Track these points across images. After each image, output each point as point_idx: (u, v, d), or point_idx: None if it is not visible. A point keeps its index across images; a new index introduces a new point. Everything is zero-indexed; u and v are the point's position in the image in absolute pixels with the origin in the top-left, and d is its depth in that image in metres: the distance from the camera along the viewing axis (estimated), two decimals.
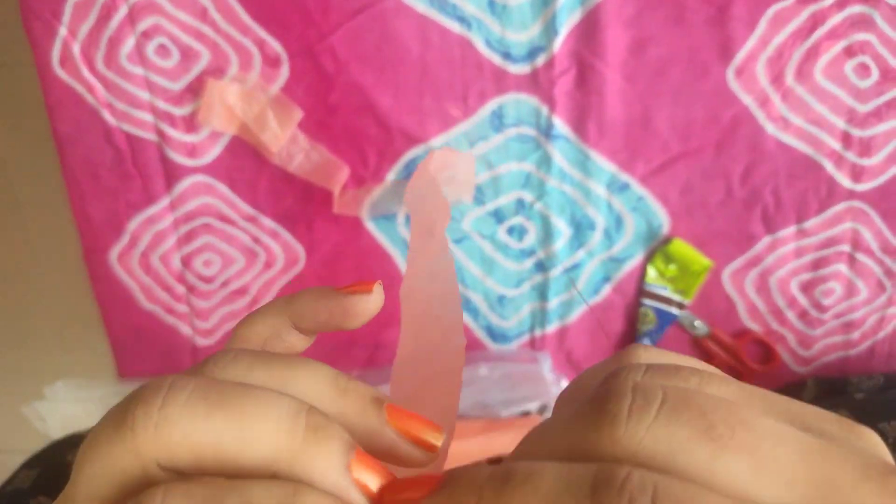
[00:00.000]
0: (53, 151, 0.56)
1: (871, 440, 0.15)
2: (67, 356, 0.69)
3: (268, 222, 0.58)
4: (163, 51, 0.53)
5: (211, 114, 0.53)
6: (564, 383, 0.62)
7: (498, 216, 0.58)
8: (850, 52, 0.52)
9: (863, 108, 0.53)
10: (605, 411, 0.14)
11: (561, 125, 0.54)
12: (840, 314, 0.59)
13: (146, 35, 0.52)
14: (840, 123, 0.54)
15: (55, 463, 0.50)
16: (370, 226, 0.58)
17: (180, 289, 0.60)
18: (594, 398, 0.15)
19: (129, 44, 0.52)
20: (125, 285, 0.60)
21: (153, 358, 0.62)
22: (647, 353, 0.17)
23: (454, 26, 0.52)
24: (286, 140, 0.55)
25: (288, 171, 0.56)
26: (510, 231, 0.58)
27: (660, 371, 0.16)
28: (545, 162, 0.56)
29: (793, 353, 0.61)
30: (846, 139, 0.54)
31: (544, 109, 0.54)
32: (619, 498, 0.13)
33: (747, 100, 0.53)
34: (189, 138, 0.55)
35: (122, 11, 0.51)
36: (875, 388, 0.60)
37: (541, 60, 0.53)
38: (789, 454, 0.14)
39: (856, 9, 0.51)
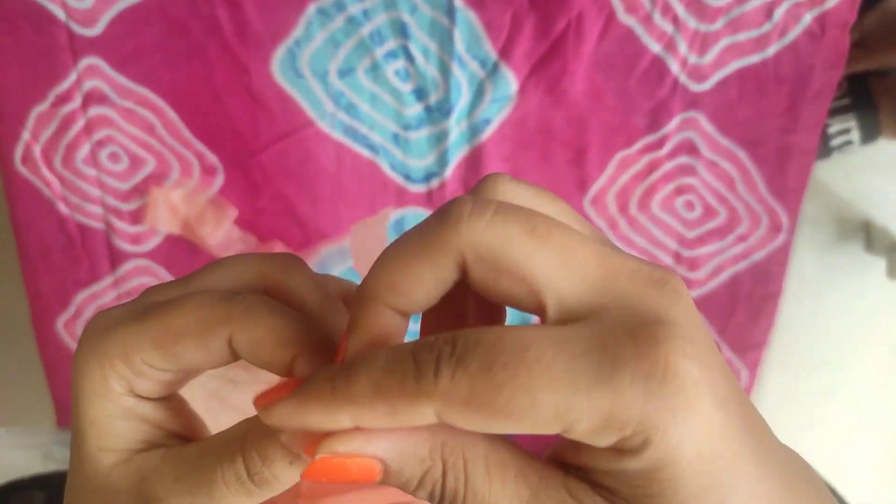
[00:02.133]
0: (11, 233, 0.64)
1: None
2: (9, 407, 0.76)
3: None
4: (114, 157, 0.62)
5: (156, 216, 0.62)
6: None
7: None
8: (679, 191, 0.65)
9: (690, 234, 0.67)
10: (449, 213, 0.17)
11: None
12: None
13: (100, 143, 0.61)
14: (672, 245, 0.67)
15: None
16: None
17: None
18: (438, 209, 0.18)
19: (84, 150, 0.61)
20: (68, 348, 0.68)
21: None
22: (502, 176, 0.20)
23: (364, 152, 0.63)
24: (222, 234, 0.64)
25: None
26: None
27: (515, 182, 0.20)
28: None
29: None
30: (677, 257, 0.67)
31: None
32: (430, 353, 0.16)
33: (599, 222, 0.66)
34: (133, 229, 0.64)
35: (80, 123, 0.60)
36: None
37: (435, 183, 0.64)
38: (589, 254, 0.17)
39: (683, 160, 0.64)
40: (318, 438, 0.17)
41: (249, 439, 0.20)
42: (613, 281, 0.17)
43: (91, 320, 0.21)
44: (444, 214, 0.18)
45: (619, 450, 0.16)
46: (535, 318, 0.18)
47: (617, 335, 0.16)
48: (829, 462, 0.68)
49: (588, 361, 0.15)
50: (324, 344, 0.20)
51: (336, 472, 0.17)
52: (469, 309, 0.21)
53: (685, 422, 0.15)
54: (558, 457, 0.18)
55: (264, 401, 0.18)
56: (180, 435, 0.22)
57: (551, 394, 0.15)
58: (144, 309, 0.21)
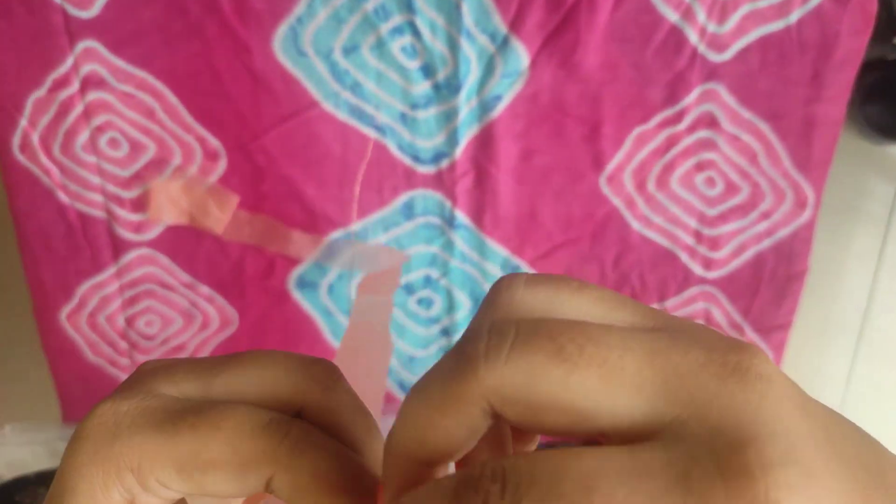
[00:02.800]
0: (10, 222, 0.63)
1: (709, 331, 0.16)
2: (15, 403, 0.75)
3: (204, 289, 0.66)
4: (114, 143, 0.60)
5: (161, 212, 0.61)
6: None
7: (408, 289, 0.67)
8: (699, 167, 0.63)
9: (711, 212, 0.64)
10: (464, 355, 0.15)
11: (462, 217, 0.64)
12: None
13: (100, 129, 0.60)
14: (693, 223, 0.65)
15: None
16: (296, 294, 0.66)
17: (123, 345, 0.67)
18: (455, 346, 0.16)
19: (83, 136, 0.60)
20: (73, 340, 0.67)
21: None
22: (517, 280, 0.17)
23: (371, 132, 0.61)
24: (227, 221, 0.62)
25: (240, 243, 0.63)
26: (419, 302, 0.67)
27: (532, 284, 0.17)
28: (449, 246, 0.65)
29: None
30: (698, 236, 0.65)
31: (448, 203, 0.63)
32: (476, 495, 0.13)
33: (616, 201, 0.64)
34: (135, 217, 0.62)
35: (79, 109, 0.59)
36: None
37: (445, 164, 0.62)
38: (636, 360, 0.14)
39: (703, 133, 0.61)
40: None
41: None
42: (680, 384, 0.14)
43: (97, 411, 0.19)
44: (460, 358, 0.15)
45: None
46: None
47: (701, 464, 0.13)
48: None
49: (668, 502, 0.13)
50: (367, 486, 0.18)
51: None
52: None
53: None
54: None
55: None
56: None
57: None
58: (167, 417, 0.18)
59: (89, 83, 0.58)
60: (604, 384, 0.14)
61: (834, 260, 0.67)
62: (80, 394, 0.69)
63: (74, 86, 0.58)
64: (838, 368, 0.71)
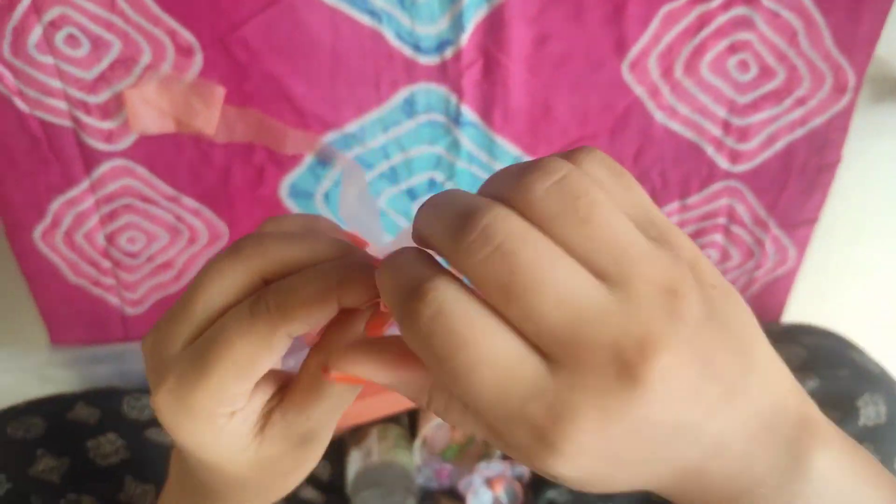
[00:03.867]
0: None
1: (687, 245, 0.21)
2: None
3: (189, 202, 0.60)
4: (72, 40, 0.53)
5: (140, 121, 0.54)
6: None
7: (412, 194, 0.62)
8: (732, 49, 0.56)
9: (742, 100, 0.58)
10: (527, 172, 0.20)
11: (469, 113, 0.58)
12: None
13: (53, 25, 0.52)
14: (721, 113, 0.59)
15: None
16: (289, 204, 0.61)
17: (106, 263, 0.62)
18: (528, 164, 0.20)
19: (36, 33, 0.52)
20: (51, 261, 0.62)
21: (84, 327, 0.65)
22: (591, 154, 0.22)
23: (364, 19, 0.54)
24: (218, 119, 0.56)
25: (235, 141, 0.57)
26: None
27: (591, 159, 0.21)
28: (455, 146, 0.59)
29: None
30: (726, 127, 0.59)
31: (453, 98, 0.57)
32: (481, 237, 0.19)
33: (639, 90, 0.58)
34: (105, 125, 0.56)
35: (26, 2, 0.51)
36: None
37: (449, 53, 0.55)
38: (615, 251, 0.19)
39: (739, 11, 0.55)
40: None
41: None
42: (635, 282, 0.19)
43: (157, 402, 0.25)
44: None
45: None
46: None
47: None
48: (874, 341, 0.63)
49: None
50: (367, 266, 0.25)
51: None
52: None
53: None
54: None
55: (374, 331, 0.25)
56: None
57: None
58: (198, 358, 0.24)
59: None
60: (589, 244, 0.19)
61: (862, 151, 0.62)
62: (66, 315, 0.65)
63: None
64: (865, 260, 0.68)
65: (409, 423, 0.68)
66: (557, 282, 0.18)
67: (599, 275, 0.19)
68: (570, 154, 0.21)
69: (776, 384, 0.22)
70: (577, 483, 0.20)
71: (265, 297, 0.25)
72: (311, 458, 0.29)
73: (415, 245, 0.22)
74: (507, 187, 0.20)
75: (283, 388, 0.28)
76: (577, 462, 0.19)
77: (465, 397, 0.19)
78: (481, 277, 0.19)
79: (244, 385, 0.25)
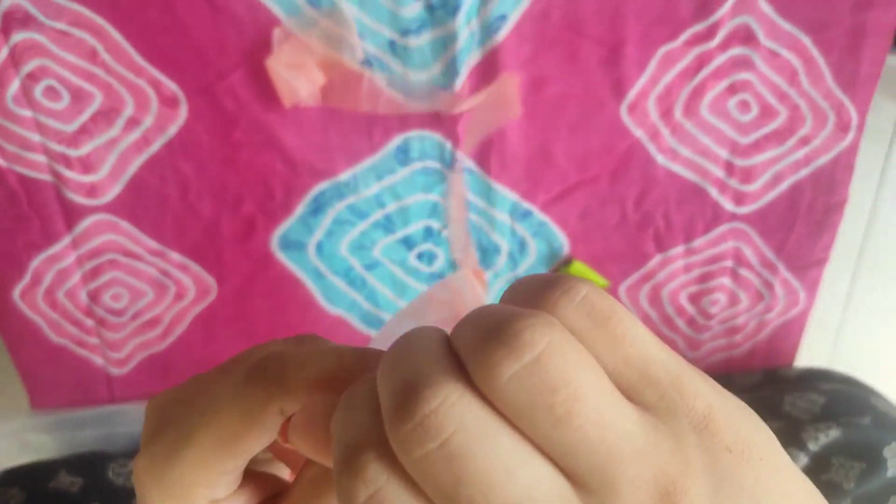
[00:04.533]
0: None
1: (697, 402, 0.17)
2: None
3: (176, 256, 0.58)
4: (52, 93, 0.51)
5: (291, 92, 0.50)
6: None
7: (408, 243, 0.59)
8: (732, 89, 0.55)
9: (744, 141, 0.57)
10: (493, 341, 0.15)
11: (465, 159, 0.56)
12: (724, 321, 0.65)
13: (32, 77, 0.50)
14: (724, 154, 0.57)
15: None
16: (280, 256, 0.59)
17: (90, 322, 0.60)
18: (494, 326, 0.16)
19: (13, 86, 0.50)
20: (32, 321, 0.59)
21: (67, 389, 0.62)
22: (578, 287, 0.17)
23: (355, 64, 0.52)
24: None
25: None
26: (420, 257, 0.60)
27: (582, 306, 0.17)
28: (450, 193, 0.57)
29: (682, 354, 0.66)
30: (729, 168, 0.58)
31: (448, 145, 0.55)
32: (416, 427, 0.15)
33: (639, 133, 0.56)
34: (87, 178, 0.54)
35: (3, 53, 0.49)
36: (755, 384, 0.67)
37: None
38: (599, 455, 0.15)
39: (737, 51, 0.53)
40: None
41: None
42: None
43: (136, 466, 0.23)
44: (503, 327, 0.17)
45: None
46: None
47: None
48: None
49: None
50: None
51: None
52: None
53: None
54: None
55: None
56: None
57: None
58: (185, 427, 0.22)
59: (13, 21, 0.48)
60: (575, 449, 0.15)
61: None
62: (48, 377, 0.62)
63: None
64: (838, 288, 0.66)
65: None
66: (519, 496, 0.15)
67: (577, 482, 0.15)
68: (544, 297, 0.17)
69: None
70: None
71: (265, 363, 0.22)
72: None
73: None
74: (469, 354, 0.16)
75: (278, 498, 0.25)
76: None
77: None
78: (420, 478, 0.15)
79: (226, 463, 0.22)
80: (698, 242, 0.61)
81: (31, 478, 0.55)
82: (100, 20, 0.49)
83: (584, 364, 0.16)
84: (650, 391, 0.17)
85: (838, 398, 0.57)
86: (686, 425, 0.16)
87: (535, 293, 0.17)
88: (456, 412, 0.15)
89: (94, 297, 0.58)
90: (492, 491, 0.14)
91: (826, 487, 0.51)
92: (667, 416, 0.16)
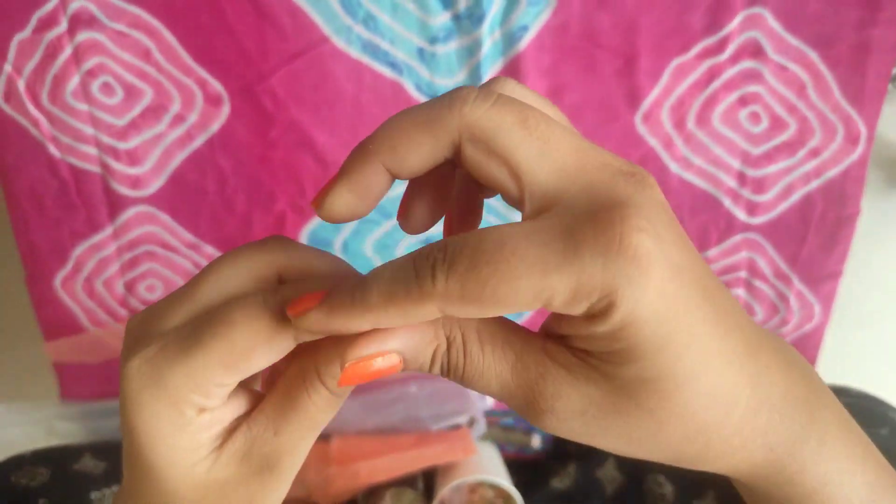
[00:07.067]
0: None
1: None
2: (8, 380, 0.70)
3: (209, 249, 0.61)
4: (107, 89, 0.55)
5: None
6: (490, 399, 0.67)
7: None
8: (743, 101, 0.58)
9: (756, 151, 0.59)
10: (456, 96, 0.20)
11: None
12: None
13: (91, 74, 0.55)
14: (736, 164, 0.60)
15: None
16: None
17: (123, 313, 0.62)
18: (451, 91, 0.21)
19: (73, 81, 0.55)
20: (69, 309, 0.62)
21: (96, 380, 0.64)
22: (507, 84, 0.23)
23: (386, 71, 0.56)
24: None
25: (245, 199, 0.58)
26: None
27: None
28: None
29: None
30: (741, 178, 0.60)
31: None
32: (427, 261, 0.19)
33: (653, 142, 0.59)
34: (133, 171, 0.58)
35: (68, 51, 0.54)
36: None
37: None
38: (567, 148, 0.20)
39: (747, 64, 0.57)
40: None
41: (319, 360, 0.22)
42: (585, 172, 0.19)
43: (131, 367, 0.22)
44: (450, 97, 0.20)
45: (590, 316, 0.18)
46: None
47: (581, 220, 0.18)
48: None
49: (555, 247, 0.18)
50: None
51: (364, 372, 0.21)
52: (452, 200, 0.25)
53: (639, 287, 0.18)
54: (547, 329, 0.21)
55: (297, 309, 0.21)
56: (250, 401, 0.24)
57: (528, 279, 0.18)
58: (189, 342, 0.21)
59: (78, 22, 0.53)
60: (541, 155, 0.20)
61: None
62: (78, 368, 0.64)
63: (62, 25, 0.53)
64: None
65: (423, 487, 0.65)
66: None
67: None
68: (485, 84, 0.23)
69: None
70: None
71: (283, 291, 0.22)
72: (268, 497, 0.24)
73: None
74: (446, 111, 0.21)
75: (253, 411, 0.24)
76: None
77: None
78: (496, 120, 0.20)
79: (229, 377, 0.22)
80: (712, 252, 0.62)
81: (57, 459, 0.56)
82: (155, 22, 0.54)
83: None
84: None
85: (855, 411, 0.57)
86: None
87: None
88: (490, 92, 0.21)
89: (129, 287, 0.61)
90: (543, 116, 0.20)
91: None
92: None
